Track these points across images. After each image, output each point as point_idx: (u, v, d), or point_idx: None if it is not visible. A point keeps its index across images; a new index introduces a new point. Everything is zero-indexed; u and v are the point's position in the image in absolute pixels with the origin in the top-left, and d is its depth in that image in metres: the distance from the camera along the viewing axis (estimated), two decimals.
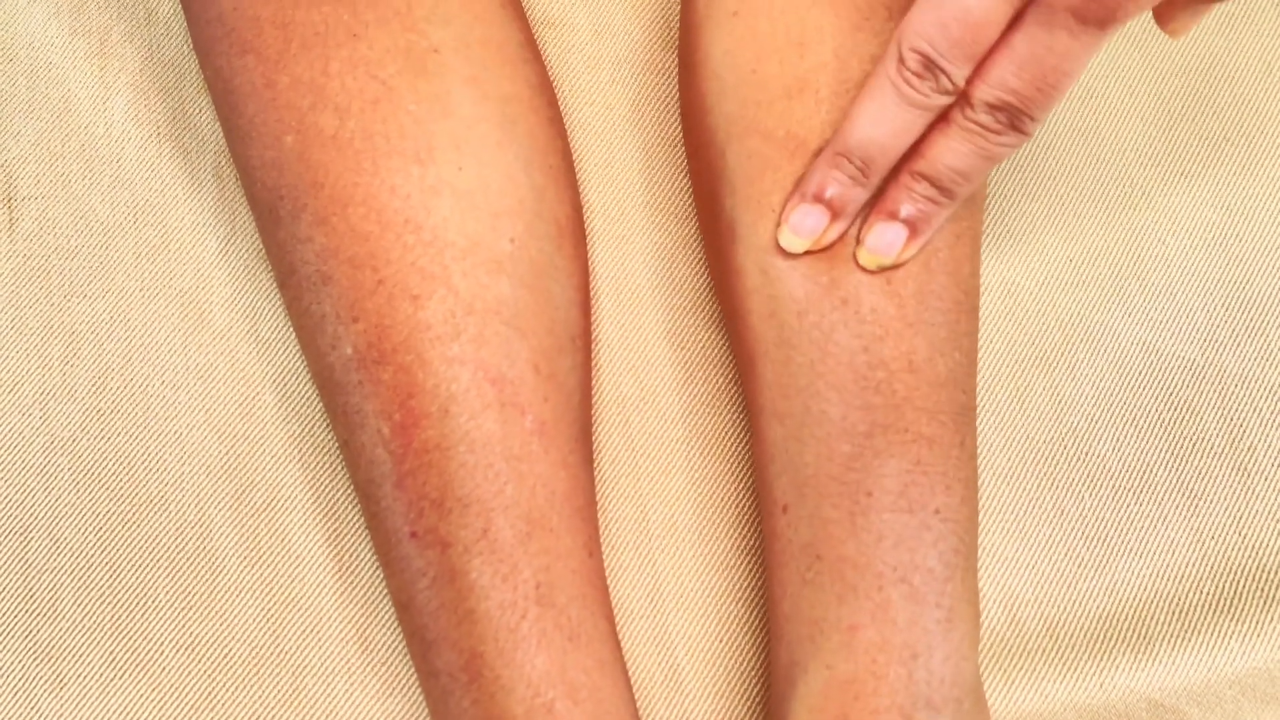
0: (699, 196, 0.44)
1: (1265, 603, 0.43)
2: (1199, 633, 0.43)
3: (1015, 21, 0.34)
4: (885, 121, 0.37)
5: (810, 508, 0.38)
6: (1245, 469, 0.45)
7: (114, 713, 0.42)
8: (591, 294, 0.47)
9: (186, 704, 0.42)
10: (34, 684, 0.42)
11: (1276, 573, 0.44)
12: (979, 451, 0.44)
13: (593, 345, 0.46)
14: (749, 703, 0.43)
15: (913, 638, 0.36)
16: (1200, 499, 0.45)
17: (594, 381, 0.46)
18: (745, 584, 0.44)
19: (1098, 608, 0.44)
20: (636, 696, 0.43)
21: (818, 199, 0.38)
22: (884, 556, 0.37)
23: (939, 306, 0.39)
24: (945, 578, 0.37)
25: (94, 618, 0.43)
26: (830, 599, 0.37)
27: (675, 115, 0.49)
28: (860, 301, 0.38)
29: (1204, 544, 0.44)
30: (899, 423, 0.37)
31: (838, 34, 0.39)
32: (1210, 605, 0.44)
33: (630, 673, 0.43)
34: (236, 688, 0.43)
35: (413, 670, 0.42)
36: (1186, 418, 0.46)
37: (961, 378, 0.39)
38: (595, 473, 0.45)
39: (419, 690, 0.42)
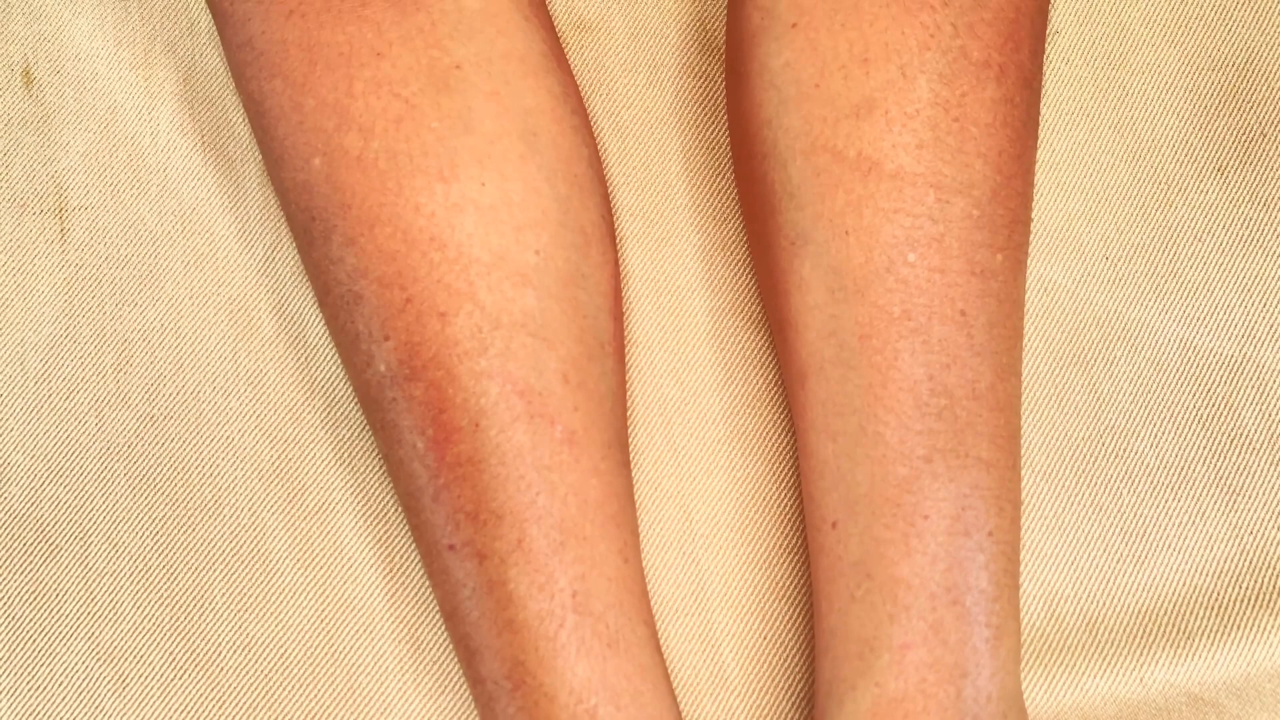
0: (751, 205, 0.44)
1: None
2: (1238, 627, 0.43)
3: None
4: None
5: (861, 526, 0.38)
6: None
7: (175, 711, 0.43)
8: (631, 296, 0.47)
9: (244, 702, 0.44)
10: (97, 684, 0.44)
11: None
12: None
13: (632, 348, 0.47)
14: (794, 700, 0.44)
15: (963, 657, 0.37)
16: (1239, 494, 0.45)
17: (634, 384, 0.46)
18: (789, 583, 0.45)
19: (1137, 603, 0.44)
20: (682, 695, 0.44)
21: None
22: (938, 578, 0.37)
23: (1004, 334, 0.39)
24: (994, 596, 0.37)
25: (153, 619, 0.44)
26: (881, 618, 0.37)
27: (715, 119, 0.49)
28: (930, 331, 0.38)
29: (1243, 539, 0.45)
30: (959, 447, 0.38)
31: (904, 51, 0.39)
32: (1250, 600, 0.44)
33: (675, 671, 0.44)
34: (292, 687, 0.44)
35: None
36: (1224, 413, 0.46)
37: (1017, 401, 0.39)
38: (637, 474, 0.45)
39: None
